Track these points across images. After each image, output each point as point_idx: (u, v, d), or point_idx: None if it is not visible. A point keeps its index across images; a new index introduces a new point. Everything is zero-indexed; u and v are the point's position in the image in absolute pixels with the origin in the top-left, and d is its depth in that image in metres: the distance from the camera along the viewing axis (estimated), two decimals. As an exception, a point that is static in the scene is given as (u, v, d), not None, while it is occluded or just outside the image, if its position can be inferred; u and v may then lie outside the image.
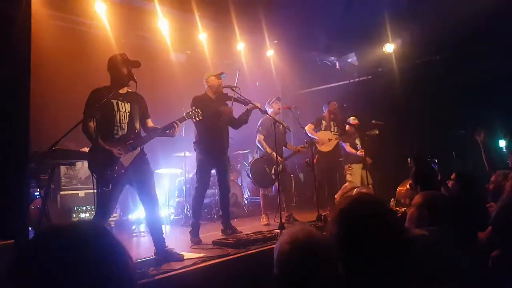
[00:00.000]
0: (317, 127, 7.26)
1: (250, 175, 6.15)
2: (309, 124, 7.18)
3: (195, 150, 5.14)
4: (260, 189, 6.39)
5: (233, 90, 5.10)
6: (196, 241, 4.64)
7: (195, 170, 5.16)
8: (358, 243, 1.39)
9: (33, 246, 0.87)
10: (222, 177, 5.13)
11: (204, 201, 6.87)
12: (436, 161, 7.25)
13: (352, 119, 7.44)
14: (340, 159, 7.57)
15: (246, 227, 5.65)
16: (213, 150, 5.00)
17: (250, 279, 3.61)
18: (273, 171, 6.12)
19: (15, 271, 0.83)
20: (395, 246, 1.39)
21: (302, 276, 1.35)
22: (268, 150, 6.10)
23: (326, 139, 7.17)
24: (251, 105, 5.19)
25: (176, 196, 7.41)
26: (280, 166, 6.01)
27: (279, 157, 5.76)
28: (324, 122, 7.28)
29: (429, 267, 1.59)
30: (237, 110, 5.40)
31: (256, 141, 6.29)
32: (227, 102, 5.23)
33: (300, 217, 6.42)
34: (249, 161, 6.39)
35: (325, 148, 7.15)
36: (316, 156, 6.92)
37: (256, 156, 6.41)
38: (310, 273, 1.35)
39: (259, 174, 6.13)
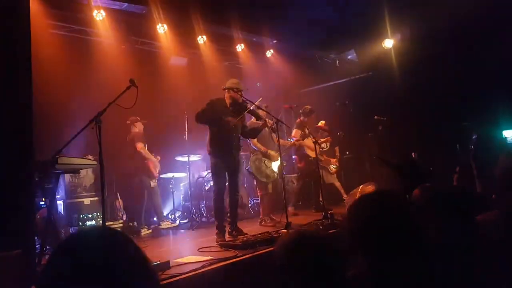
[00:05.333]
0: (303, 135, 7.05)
1: (252, 172, 6.25)
2: (296, 130, 7.04)
3: (209, 154, 5.30)
4: (258, 190, 6.45)
5: (256, 105, 5.35)
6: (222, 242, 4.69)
7: (211, 174, 5.33)
8: (376, 236, 1.38)
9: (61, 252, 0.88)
10: (231, 178, 5.25)
11: (208, 204, 6.93)
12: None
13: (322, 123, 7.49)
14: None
15: (252, 228, 5.63)
16: (224, 153, 5.13)
17: (258, 280, 3.59)
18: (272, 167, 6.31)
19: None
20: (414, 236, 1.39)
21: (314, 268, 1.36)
22: (263, 149, 6.27)
23: (312, 145, 7.00)
24: (262, 123, 5.35)
25: (181, 200, 7.41)
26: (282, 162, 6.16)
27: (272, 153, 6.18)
28: (306, 130, 6.95)
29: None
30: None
31: (251, 144, 6.34)
32: (241, 111, 5.27)
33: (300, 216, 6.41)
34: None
35: (313, 153, 7.08)
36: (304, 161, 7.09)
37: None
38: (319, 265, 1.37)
39: (259, 170, 6.24)
